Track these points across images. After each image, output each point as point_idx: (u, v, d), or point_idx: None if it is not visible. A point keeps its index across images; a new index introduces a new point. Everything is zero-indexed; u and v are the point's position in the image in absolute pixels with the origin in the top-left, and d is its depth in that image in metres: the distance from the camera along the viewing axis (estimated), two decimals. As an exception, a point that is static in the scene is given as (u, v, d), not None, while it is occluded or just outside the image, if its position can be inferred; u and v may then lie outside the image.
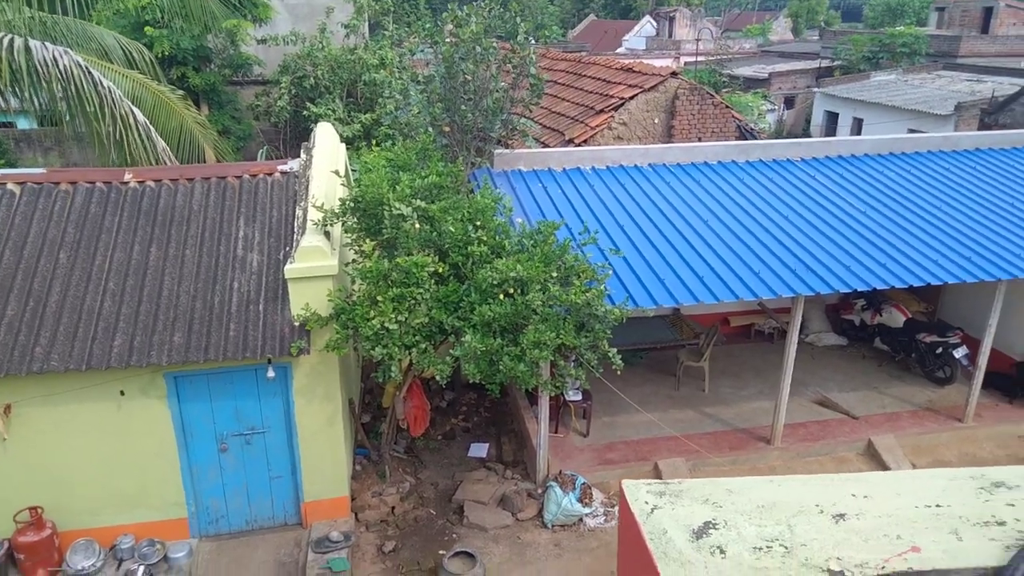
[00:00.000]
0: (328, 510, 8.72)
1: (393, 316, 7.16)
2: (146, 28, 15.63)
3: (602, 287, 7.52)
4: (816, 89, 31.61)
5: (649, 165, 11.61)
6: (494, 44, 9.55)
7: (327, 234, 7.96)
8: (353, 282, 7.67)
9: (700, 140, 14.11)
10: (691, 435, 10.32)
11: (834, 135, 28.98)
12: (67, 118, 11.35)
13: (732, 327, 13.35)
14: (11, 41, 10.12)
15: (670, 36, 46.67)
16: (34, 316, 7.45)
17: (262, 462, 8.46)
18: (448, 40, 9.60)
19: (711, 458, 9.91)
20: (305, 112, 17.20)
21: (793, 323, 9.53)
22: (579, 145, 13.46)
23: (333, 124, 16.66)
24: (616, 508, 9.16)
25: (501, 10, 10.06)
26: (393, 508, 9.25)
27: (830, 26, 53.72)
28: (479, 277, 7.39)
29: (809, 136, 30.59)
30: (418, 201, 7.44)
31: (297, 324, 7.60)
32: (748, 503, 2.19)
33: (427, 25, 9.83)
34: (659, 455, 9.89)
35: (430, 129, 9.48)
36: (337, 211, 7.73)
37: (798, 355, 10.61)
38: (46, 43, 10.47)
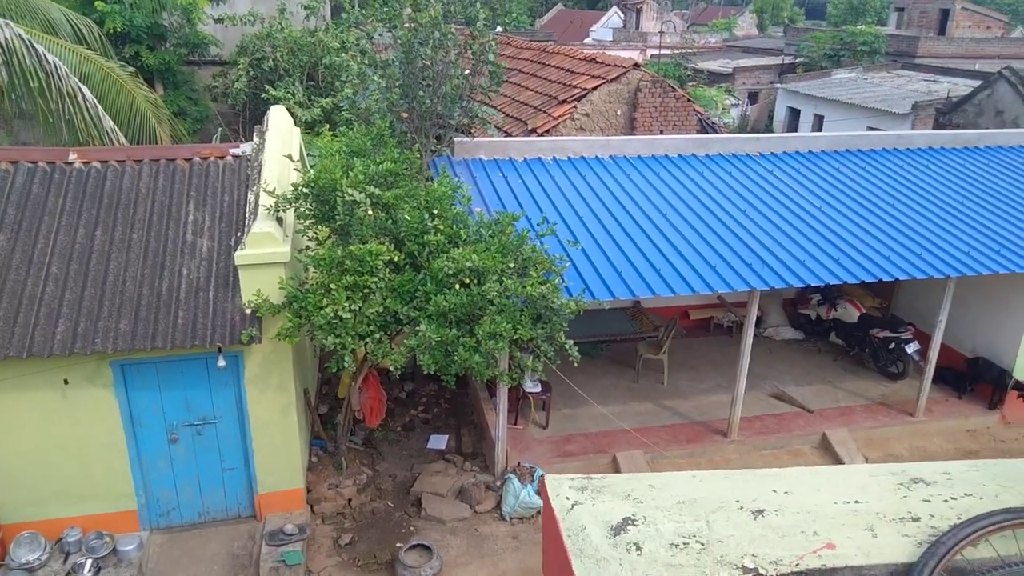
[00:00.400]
0: (283, 502, 8.60)
1: (347, 305, 7.05)
2: (96, 3, 15.17)
3: (558, 279, 7.49)
4: (779, 85, 32.03)
5: (610, 157, 11.62)
6: (452, 30, 9.44)
7: (279, 220, 7.80)
8: (306, 270, 7.51)
9: (662, 132, 14.17)
10: (650, 428, 10.39)
11: (796, 131, 29.40)
12: (12, 95, 10.99)
13: (692, 320, 13.45)
14: (-52, 13, 9.79)
15: (637, 28, 46.84)
16: (-30, 301, 7.19)
17: (214, 453, 8.29)
18: (407, 25, 9.45)
19: (669, 451, 9.99)
20: (264, 95, 16.88)
21: (749, 317, 9.64)
22: (541, 135, 13.42)
23: (293, 108, 16.43)
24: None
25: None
26: (350, 500, 9.16)
27: (794, 23, 54.46)
28: (435, 267, 7.31)
29: (772, 131, 30.98)
30: (372, 188, 7.34)
31: (248, 312, 7.44)
32: (669, 499, 2.19)
33: (385, 8, 9.64)
34: (618, 448, 9.94)
35: (387, 115, 9.32)
36: (289, 197, 7.58)
37: (756, 349, 10.80)
38: (-17, 15, 10.13)
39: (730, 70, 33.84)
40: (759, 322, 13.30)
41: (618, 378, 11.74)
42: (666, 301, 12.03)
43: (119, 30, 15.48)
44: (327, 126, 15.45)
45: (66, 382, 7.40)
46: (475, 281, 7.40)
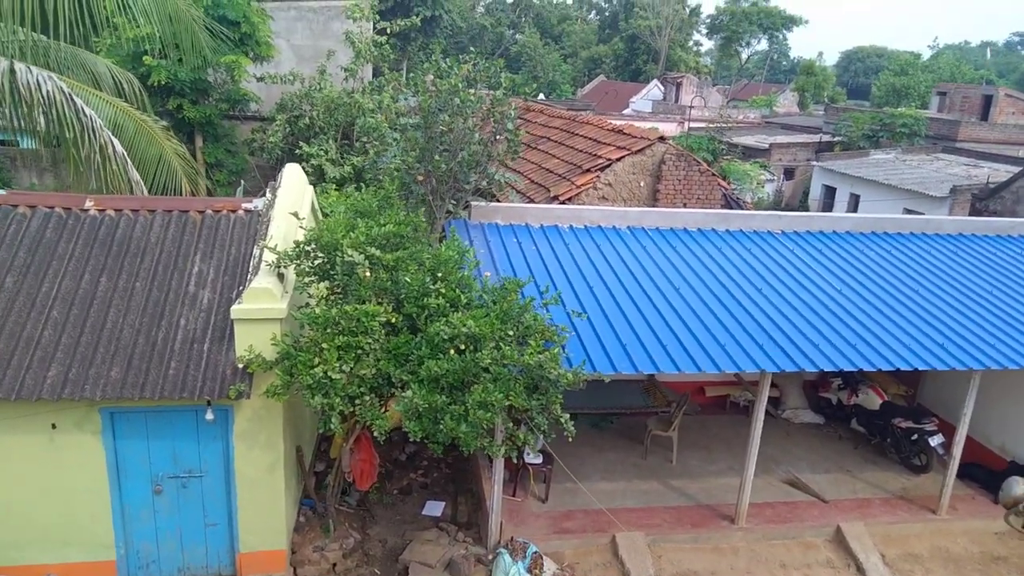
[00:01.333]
0: (264, 563, 8.37)
1: (337, 365, 6.95)
2: (144, 58, 15.80)
3: (557, 349, 7.30)
4: (815, 163, 31.86)
5: (628, 227, 11.52)
6: (472, 97, 9.53)
7: (280, 276, 7.80)
8: (301, 327, 7.44)
9: (685, 206, 14.03)
10: (654, 508, 9.96)
11: (831, 209, 29.07)
12: (55, 143, 11.35)
13: (707, 397, 13.05)
14: (-4, 62, 10.18)
15: (676, 101, 47.40)
16: (-31, 340, 7.25)
17: (198, 507, 8.13)
18: (429, 90, 9.59)
19: (672, 535, 9.54)
20: (298, 151, 17.26)
21: (760, 399, 9.27)
22: (563, 203, 13.37)
23: (324, 165, 16.76)
24: (568, 581, 8.79)
25: (486, 64, 10.07)
26: (335, 565, 8.86)
27: (835, 102, 54.59)
28: (430, 331, 7.19)
29: (807, 208, 30.66)
30: (372, 249, 7.29)
31: (240, 367, 7.37)
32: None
33: (411, 74, 9.84)
34: (619, 527, 9.51)
35: (405, 176, 9.39)
36: (291, 253, 7.58)
37: (773, 431, 10.41)
38: (31, 67, 10.50)
39: (767, 145, 33.83)
40: (777, 403, 12.87)
41: (625, 453, 11.35)
42: (682, 376, 11.71)
43: (163, 83, 16.05)
44: (354, 184, 15.67)
45: (54, 427, 7.36)
46: (471, 347, 7.24)
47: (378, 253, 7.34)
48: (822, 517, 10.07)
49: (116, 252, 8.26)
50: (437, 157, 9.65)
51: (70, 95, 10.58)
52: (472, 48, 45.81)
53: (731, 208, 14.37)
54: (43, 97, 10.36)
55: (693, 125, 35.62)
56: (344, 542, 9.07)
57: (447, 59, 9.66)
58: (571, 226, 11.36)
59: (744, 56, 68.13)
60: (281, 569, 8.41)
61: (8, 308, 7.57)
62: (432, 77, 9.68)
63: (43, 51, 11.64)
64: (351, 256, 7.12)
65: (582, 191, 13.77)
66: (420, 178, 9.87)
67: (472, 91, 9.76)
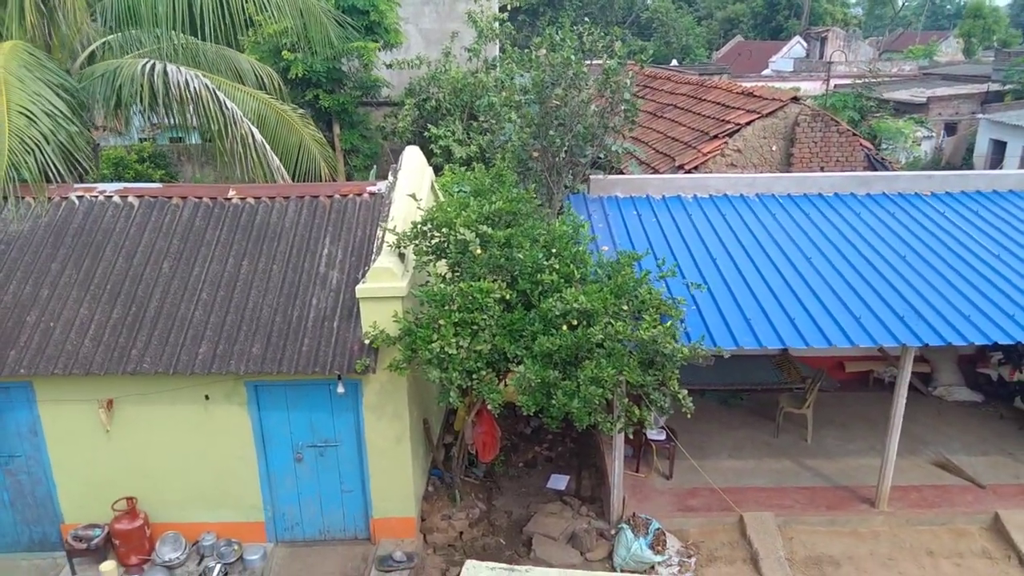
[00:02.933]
0: (396, 528, 8.81)
1: (455, 341, 7.16)
2: (283, 52, 16.80)
3: (671, 324, 7.16)
4: (981, 115, 28.88)
5: (756, 195, 11.07)
6: (585, 69, 9.40)
7: (402, 256, 8.10)
8: (421, 304, 7.72)
9: (822, 170, 13.25)
10: (785, 488, 9.59)
11: (1000, 166, 26.32)
12: (208, 137, 12.40)
13: (847, 372, 12.31)
14: (153, 66, 11.20)
15: (820, 58, 44.39)
16: (135, 320, 8.08)
17: (334, 474, 8.67)
18: (542, 64, 9.56)
19: (805, 516, 9.14)
20: (427, 133, 17.79)
21: (902, 375, 8.63)
22: (689, 172, 13.00)
23: (451, 145, 17.16)
24: (694, 559, 8.66)
25: (603, 33, 9.90)
26: (461, 533, 9.20)
27: (1007, 46, 49.03)
28: (543, 307, 7.27)
29: (971, 166, 27.93)
30: (483, 227, 7.44)
31: (366, 343, 7.76)
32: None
33: (525, 50, 9.85)
34: (747, 506, 9.24)
35: (515, 153, 9.45)
36: (408, 234, 7.87)
37: (923, 409, 9.76)
38: (180, 67, 11.48)
39: (923, 99, 31.00)
40: (930, 380, 11.95)
41: (756, 431, 10.96)
42: (818, 350, 11.15)
43: (301, 76, 17.00)
44: (480, 163, 15.97)
45: (207, 398, 8.08)
46: (584, 323, 7.26)
47: (489, 231, 7.46)
48: (977, 503, 9.27)
49: (256, 237, 8.89)
50: (552, 132, 9.64)
51: (214, 91, 11.51)
52: (603, 18, 45.02)
53: (875, 170, 13.39)
54: (191, 94, 11.34)
55: (839, 82, 33.26)
56: (470, 512, 9.38)
57: (559, 31, 9.56)
58: (695, 196, 11.06)
59: (899, 3, 62.59)
60: (412, 535, 8.82)
61: (166, 291, 8.37)
62: (545, 51, 9.63)
63: (192, 52, 12.69)
64: (463, 234, 7.30)
65: (709, 159, 13.33)
66: (535, 154, 9.89)
67: (587, 62, 9.62)
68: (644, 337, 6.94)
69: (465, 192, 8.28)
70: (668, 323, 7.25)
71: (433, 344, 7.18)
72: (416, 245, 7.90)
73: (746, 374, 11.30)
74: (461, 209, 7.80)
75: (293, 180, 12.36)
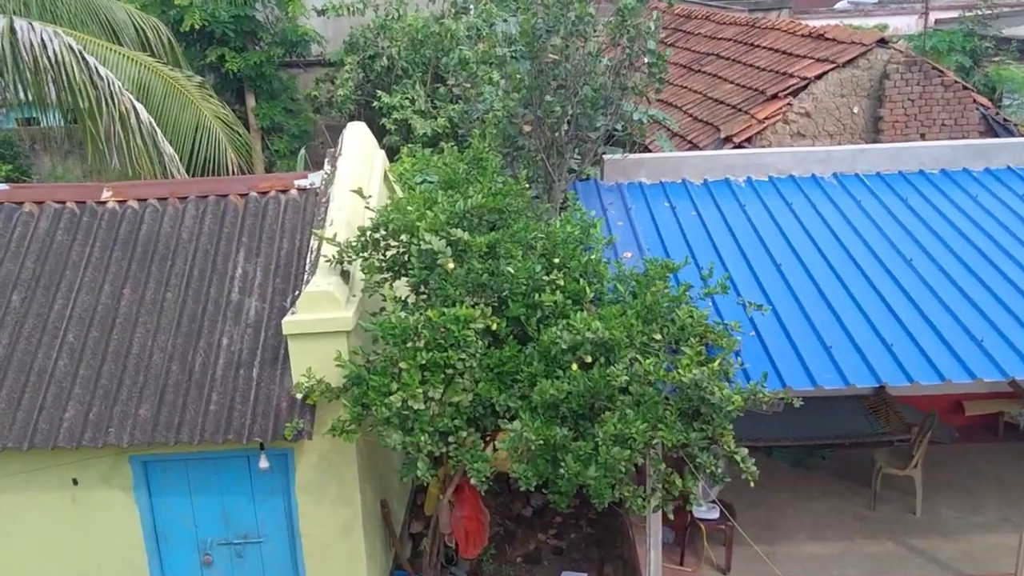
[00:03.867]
0: (347, 654, 8.80)
1: (421, 391, 7.13)
2: (175, -1, 16.88)
3: (721, 359, 7.23)
4: None
5: (833, 175, 11.24)
6: (592, 10, 9.50)
7: (346, 275, 8.11)
8: (374, 341, 7.73)
9: (923, 137, 13.40)
10: (888, 581, 9.65)
11: None
12: (71, 117, 12.47)
13: (969, 417, 12.37)
14: (-8, 20, 11.27)
15: (915, -16, 44.97)
16: (-31, 376, 8.11)
17: (258, 582, 8.68)
18: (533, 6, 9.67)
19: (918, 621, 9.23)
20: (376, 103, 17.84)
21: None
22: (740, 145, 13.11)
23: (412, 118, 17.26)
24: None
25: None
26: (440, 658, 9.21)
27: None
28: (544, 339, 7.28)
29: None
30: (457, 231, 7.45)
31: (298, 397, 7.78)
32: None
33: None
34: (837, 608, 9.32)
35: (498, 127, 9.53)
36: (355, 244, 7.86)
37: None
38: (34, 23, 11.54)
39: (1059, 37, 31.47)
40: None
41: (844, 501, 10.98)
42: (928, 388, 11.23)
43: (199, 28, 17.02)
44: (453, 142, 16.05)
45: (75, 482, 8.06)
46: (601, 360, 7.29)
47: (465, 236, 7.46)
48: None
49: (141, 255, 8.93)
50: (549, 97, 9.69)
51: (81, 53, 11.57)
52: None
53: (995, 136, 13.55)
54: (50, 59, 11.38)
55: (941, 16, 33.72)
56: (451, 628, 9.39)
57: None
58: (749, 179, 11.21)
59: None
60: (367, 662, 8.80)
61: (16, 333, 8.36)
62: (535, -12, 9.77)
63: (49, 1, 12.80)
64: (429, 243, 7.30)
65: (767, 127, 13.44)
66: (527, 128, 9.96)
67: (595, 1, 9.73)
68: (684, 379, 6.94)
69: (431, 184, 8.33)
70: (717, 358, 7.26)
71: (392, 396, 7.12)
72: (365, 259, 7.88)
73: (829, 424, 11.32)
74: (426, 207, 7.76)
75: (191, 174, 12.42)
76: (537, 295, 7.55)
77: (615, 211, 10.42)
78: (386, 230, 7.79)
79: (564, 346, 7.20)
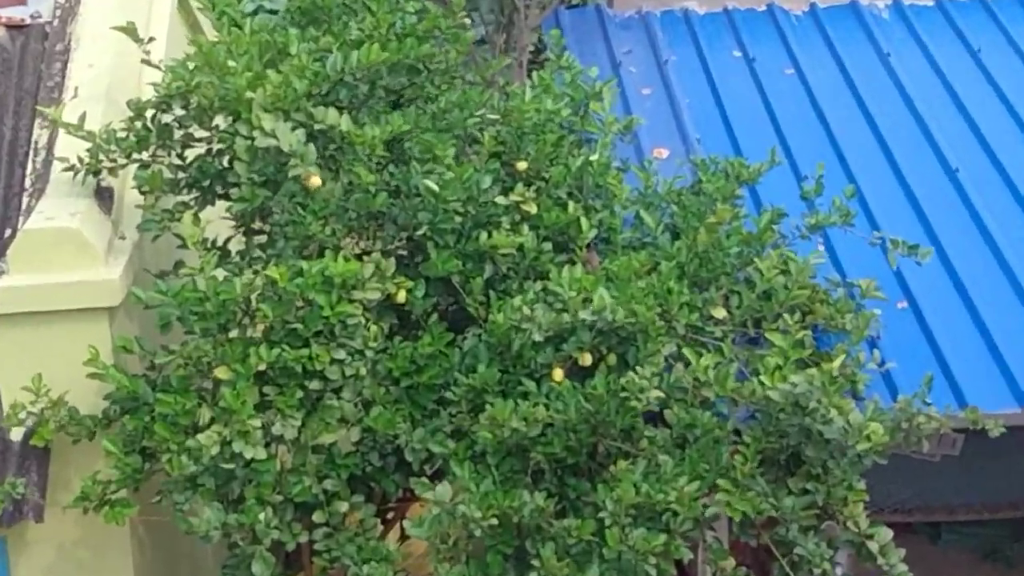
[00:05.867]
0: None
1: (258, 425, 7.19)
2: None
3: (838, 359, 7.30)
4: None
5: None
6: None
7: (105, 196, 8.16)
8: (164, 326, 7.72)
9: None
10: None
11: None
12: None
13: None
14: None
15: None
16: None
17: None
18: None
19: None
20: None
21: None
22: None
23: None
24: None
25: None
26: None
27: None
28: (499, 320, 7.32)
29: None
30: (328, 111, 7.53)
31: (16, 441, 7.85)
32: None
33: None
34: None
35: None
36: (123, 137, 7.94)
37: None
38: None
39: None
40: None
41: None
42: None
43: None
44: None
45: None
46: (612, 359, 7.48)
47: (344, 122, 7.56)
48: None
49: None
50: None
51: None
52: None
53: None
54: None
55: None
56: None
57: None
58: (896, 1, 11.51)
59: None
60: None
61: None
62: None
63: None
64: (271, 133, 7.38)
65: None
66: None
67: None
68: (772, 394, 7.00)
69: (273, 15, 8.31)
70: (837, 353, 7.39)
71: (201, 436, 7.10)
72: (144, 166, 7.96)
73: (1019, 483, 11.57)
74: (266, 64, 7.87)
75: None
76: (485, 234, 7.67)
77: (637, 66, 10.63)
78: (185, 106, 7.81)
79: (537, 334, 7.26)
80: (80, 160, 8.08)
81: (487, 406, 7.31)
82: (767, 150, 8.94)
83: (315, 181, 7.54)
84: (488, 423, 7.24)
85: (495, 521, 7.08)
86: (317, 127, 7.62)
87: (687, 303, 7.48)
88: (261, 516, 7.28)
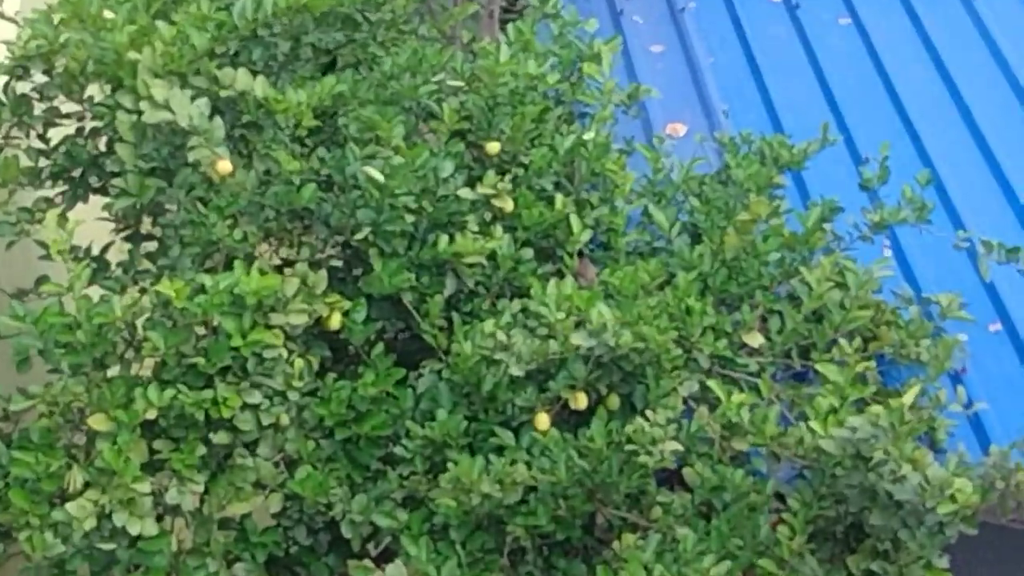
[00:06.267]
0: None
1: (146, 491, 6.73)
2: None
3: (910, 397, 6.75)
4: None
5: None
6: None
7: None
8: (21, 362, 7.31)
9: None
10: None
11: None
12: None
13: None
14: None
15: None
16: None
17: None
18: None
19: None
20: None
21: None
22: None
23: None
24: None
25: None
26: None
27: None
28: (464, 350, 7.10)
29: None
30: (239, 72, 7.23)
31: None
32: None
33: None
34: None
35: None
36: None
37: None
38: None
39: None
40: None
41: None
42: None
43: None
44: None
45: None
46: (613, 400, 7.29)
47: (261, 86, 7.30)
48: None
49: None
50: None
51: None
52: None
53: None
54: None
55: None
56: None
57: None
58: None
59: None
60: None
61: None
62: None
63: None
64: (164, 103, 6.94)
65: None
66: None
67: None
68: (825, 444, 6.58)
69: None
70: (908, 389, 6.91)
71: (70, 505, 6.70)
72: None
73: None
74: (153, 15, 7.64)
75: None
76: (445, 238, 7.52)
77: (645, 16, 10.42)
78: (48, 72, 7.53)
79: (515, 368, 6.80)
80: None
81: (449, 465, 7.01)
82: (816, 125, 8.68)
83: (224, 167, 7.31)
84: (451, 487, 7.00)
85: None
86: (224, 94, 7.34)
87: (712, 326, 7.21)
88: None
